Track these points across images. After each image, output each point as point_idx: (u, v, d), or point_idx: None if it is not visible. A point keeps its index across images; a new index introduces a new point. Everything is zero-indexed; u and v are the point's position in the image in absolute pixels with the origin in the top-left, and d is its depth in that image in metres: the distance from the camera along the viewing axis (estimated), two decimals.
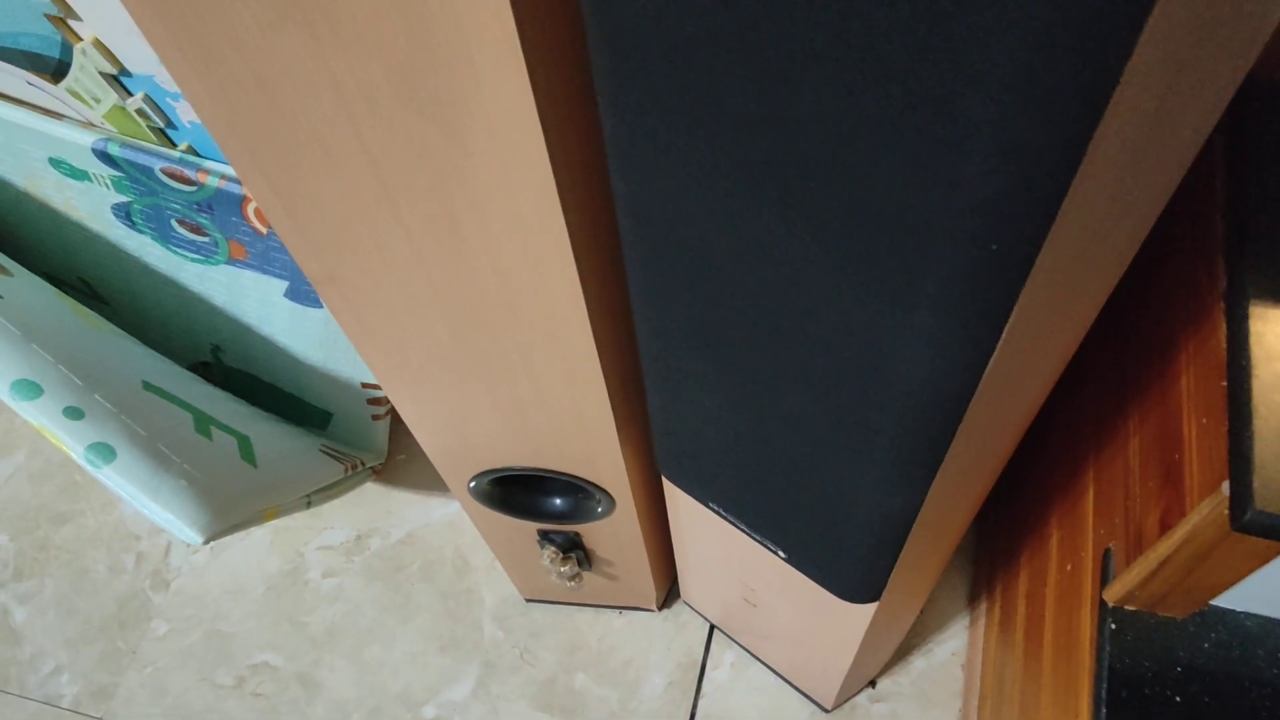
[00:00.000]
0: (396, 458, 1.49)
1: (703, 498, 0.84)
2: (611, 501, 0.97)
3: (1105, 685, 0.74)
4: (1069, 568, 0.91)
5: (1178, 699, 0.73)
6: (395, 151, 0.53)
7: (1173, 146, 0.37)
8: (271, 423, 1.25)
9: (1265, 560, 0.64)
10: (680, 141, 0.44)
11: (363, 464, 1.34)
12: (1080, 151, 0.32)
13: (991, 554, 1.32)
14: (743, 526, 0.82)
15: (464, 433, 0.86)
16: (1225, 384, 0.61)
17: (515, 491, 1.00)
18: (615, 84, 0.43)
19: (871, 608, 0.83)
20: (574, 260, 0.60)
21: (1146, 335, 0.81)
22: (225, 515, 1.00)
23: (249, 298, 1.21)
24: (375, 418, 1.35)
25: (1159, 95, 0.32)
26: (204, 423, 1.11)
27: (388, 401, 1.31)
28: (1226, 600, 0.75)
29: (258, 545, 1.48)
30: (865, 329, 0.46)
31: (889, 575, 0.74)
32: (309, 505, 1.21)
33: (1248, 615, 0.76)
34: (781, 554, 0.81)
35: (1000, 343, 0.43)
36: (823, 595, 0.84)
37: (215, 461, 1.05)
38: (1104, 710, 0.74)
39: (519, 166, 0.52)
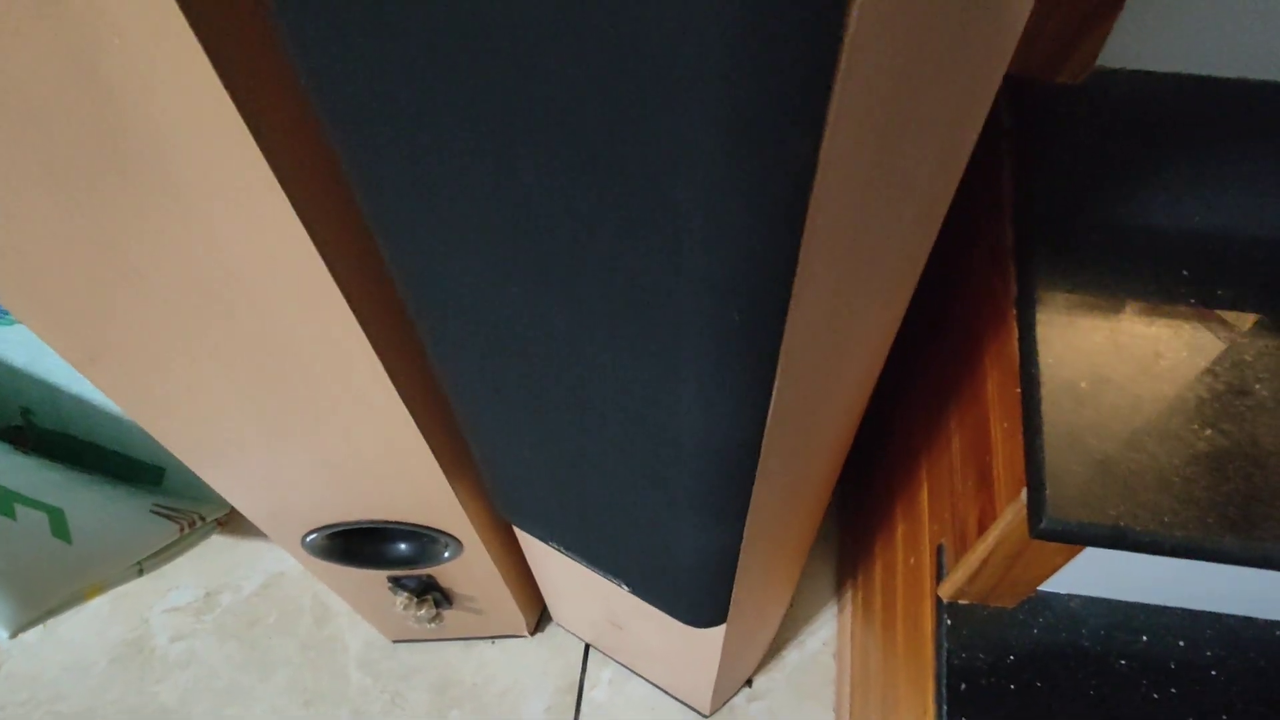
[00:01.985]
0: None
1: (542, 537, 0.81)
2: (458, 544, 0.94)
3: (945, 682, 0.76)
4: (912, 561, 0.93)
5: (1012, 687, 0.75)
6: (133, 227, 0.48)
7: (902, 211, 0.37)
8: (92, 488, 1.16)
9: (1073, 555, 0.66)
10: (431, 217, 0.41)
11: (202, 519, 1.27)
12: (796, 229, 0.31)
13: (853, 541, 1.35)
14: (583, 562, 0.80)
15: (283, 496, 0.81)
16: (1019, 390, 0.62)
17: (355, 542, 0.95)
18: (356, 166, 0.40)
19: (721, 628, 0.82)
20: (361, 326, 0.56)
21: (957, 336, 0.83)
22: (35, 603, 0.91)
23: (51, 356, 1.11)
24: None
25: (869, 164, 0.31)
26: (6, 501, 1.01)
27: None
28: (1051, 585, 0.78)
29: (96, 615, 1.37)
30: (643, 393, 0.44)
31: (729, 602, 0.73)
32: (141, 573, 1.13)
33: (1071, 596, 0.79)
34: (625, 586, 0.79)
35: (774, 399, 0.43)
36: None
37: (21, 544, 0.96)
38: (945, 707, 0.75)
39: (272, 235, 0.48)
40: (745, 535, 0.60)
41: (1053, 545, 0.65)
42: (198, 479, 1.30)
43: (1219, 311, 0.63)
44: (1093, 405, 0.59)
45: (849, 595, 1.32)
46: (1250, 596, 0.76)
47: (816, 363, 0.44)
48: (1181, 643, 0.77)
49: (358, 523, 0.88)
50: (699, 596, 0.73)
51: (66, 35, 0.38)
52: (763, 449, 0.48)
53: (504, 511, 0.82)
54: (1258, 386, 0.60)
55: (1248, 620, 0.78)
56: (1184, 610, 0.78)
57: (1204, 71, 0.71)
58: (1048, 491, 0.56)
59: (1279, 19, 0.67)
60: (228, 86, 0.40)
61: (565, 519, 0.72)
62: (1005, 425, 0.66)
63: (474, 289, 0.45)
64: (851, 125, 0.28)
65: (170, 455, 1.26)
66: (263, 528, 0.89)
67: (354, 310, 0.55)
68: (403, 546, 0.97)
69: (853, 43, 0.25)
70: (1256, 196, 0.68)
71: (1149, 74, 0.73)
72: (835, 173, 0.30)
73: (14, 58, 0.38)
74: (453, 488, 0.81)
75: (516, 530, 0.94)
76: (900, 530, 1.02)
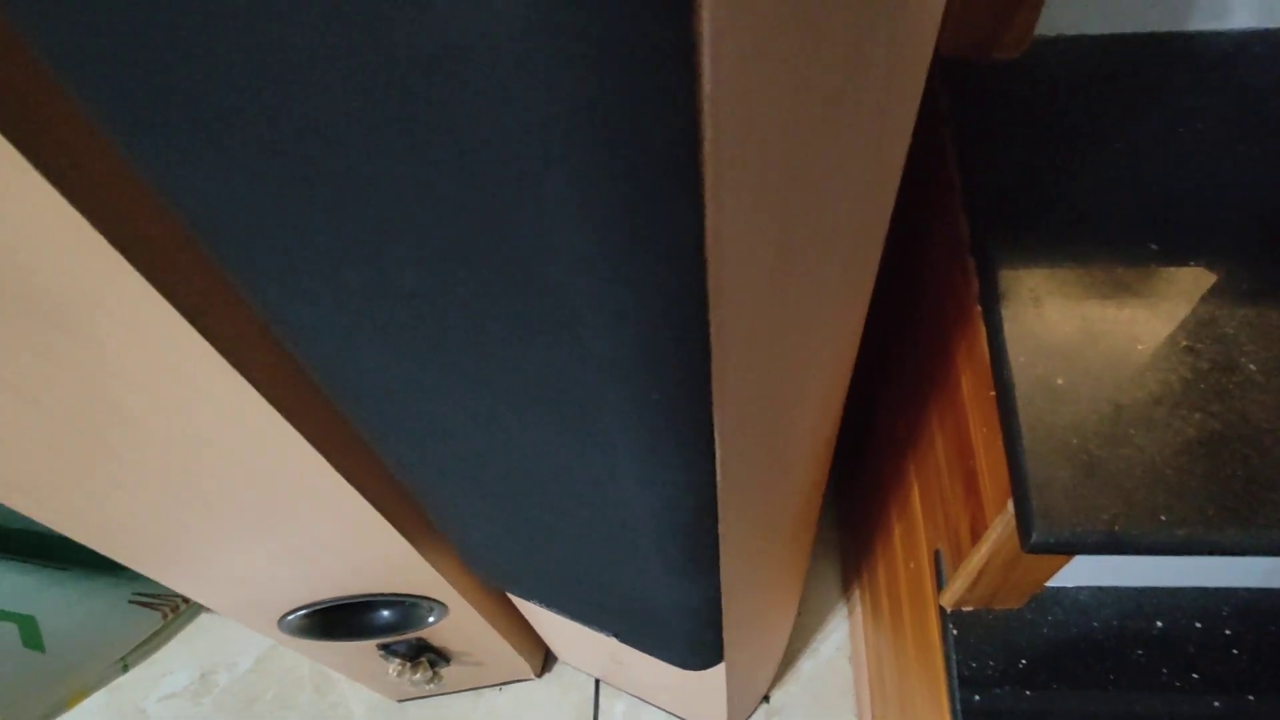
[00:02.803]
0: None
1: (524, 596, 0.78)
2: (442, 606, 0.90)
3: (958, 696, 0.72)
4: (912, 565, 0.90)
5: (1028, 693, 0.72)
6: (23, 365, 0.45)
7: (831, 243, 0.33)
8: (65, 587, 1.12)
9: (1071, 557, 0.63)
10: (324, 317, 0.37)
11: (185, 601, 1.23)
12: (698, 302, 0.27)
13: (853, 538, 1.32)
14: (570, 618, 0.77)
15: (250, 587, 0.77)
16: (994, 394, 0.59)
17: (334, 617, 0.91)
18: (252, 284, 0.36)
19: (720, 667, 0.79)
20: (291, 425, 0.53)
21: (927, 334, 0.79)
22: None
23: None
24: None
25: (772, 216, 0.27)
26: None
27: None
28: (1058, 580, 0.75)
29: (91, 711, 1.33)
30: (584, 473, 0.41)
31: (721, 644, 0.69)
32: (126, 669, 1.09)
33: (1079, 589, 0.76)
34: (614, 637, 0.76)
35: (720, 463, 0.39)
36: None
37: None
38: None
39: (173, 354, 0.45)
40: (724, 586, 0.56)
41: (1045, 557, 0.61)
42: None
43: (1193, 283, 0.59)
44: (1071, 402, 0.56)
45: (857, 595, 1.29)
46: (1263, 567, 0.73)
47: (762, 417, 0.41)
48: (1198, 624, 0.73)
49: (332, 600, 0.84)
50: (690, 644, 0.69)
51: None
52: (720, 509, 0.44)
53: (481, 577, 0.78)
54: (1244, 360, 0.56)
55: (1264, 591, 0.74)
56: (1197, 589, 0.75)
57: (1145, 29, 0.68)
58: (1034, 504, 0.52)
59: None
60: (88, 215, 0.36)
61: (542, 582, 0.69)
62: (984, 430, 0.63)
63: (389, 382, 0.41)
64: (738, 185, 0.25)
65: None
66: (235, 619, 0.85)
67: (280, 409, 0.52)
68: (385, 614, 0.93)
69: (712, 104, 0.21)
70: (1214, 153, 0.64)
71: (1090, 38, 0.69)
72: (731, 237, 0.26)
73: None
74: (425, 555, 0.77)
75: None
76: (897, 531, 0.98)
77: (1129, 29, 0.67)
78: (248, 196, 0.29)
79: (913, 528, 0.90)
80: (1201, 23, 0.66)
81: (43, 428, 0.51)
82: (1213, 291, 0.58)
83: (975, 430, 0.65)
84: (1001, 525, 0.59)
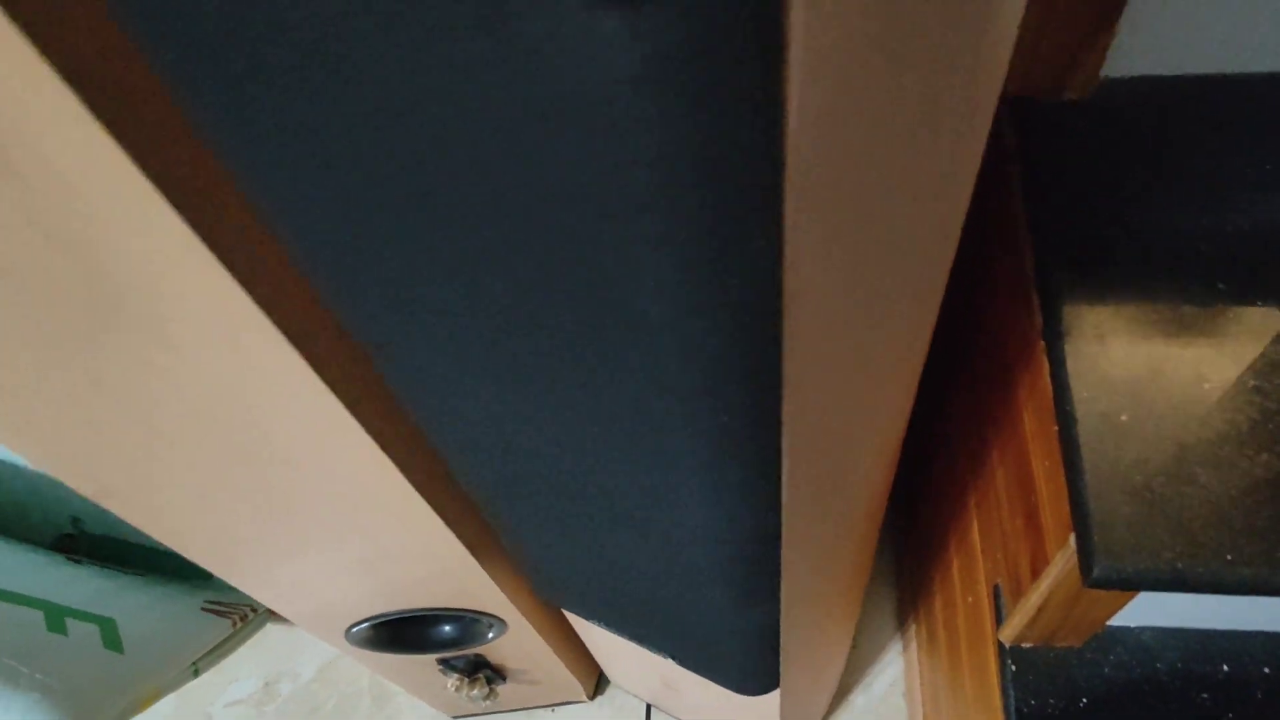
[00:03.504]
0: None
1: (583, 615, 0.80)
2: (502, 623, 0.92)
3: None
4: (970, 600, 0.90)
5: None
6: (123, 374, 0.48)
7: (898, 276, 0.35)
8: (142, 592, 1.17)
9: (1134, 595, 0.62)
10: (429, 338, 0.40)
11: (254, 610, 1.27)
12: (773, 333, 0.29)
13: (910, 570, 1.31)
14: (627, 638, 0.78)
15: (320, 596, 0.81)
16: (1056, 428, 0.59)
17: (398, 630, 0.94)
18: (352, 314, 0.39)
19: (774, 694, 0.79)
20: (365, 432, 0.55)
21: (989, 367, 0.79)
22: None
23: None
24: None
25: (844, 254, 0.29)
26: (58, 617, 1.02)
27: None
28: (1120, 619, 0.74)
29: (162, 714, 1.38)
30: (653, 492, 0.43)
31: (779, 669, 0.70)
32: (197, 673, 1.13)
33: (1142, 629, 0.75)
34: (671, 660, 0.77)
35: (786, 486, 0.40)
36: None
37: (73, 660, 0.97)
38: None
39: (266, 366, 0.48)
40: (783, 610, 0.57)
41: (1108, 593, 0.61)
42: None
43: (1262, 323, 0.59)
44: (1136, 439, 0.56)
45: (912, 630, 1.28)
46: None
47: (830, 443, 0.42)
48: (1267, 669, 0.72)
49: (397, 613, 0.87)
50: (746, 668, 0.70)
51: (21, 197, 0.37)
52: (784, 532, 0.46)
53: (542, 595, 0.80)
54: None
55: None
56: (1265, 634, 0.73)
57: (1215, 70, 0.68)
58: (1096, 539, 0.52)
59: None
60: (196, 230, 0.39)
61: (603, 601, 0.70)
62: (1046, 464, 0.63)
63: (466, 400, 0.44)
64: (815, 223, 0.27)
65: None
66: (304, 627, 0.89)
67: (360, 420, 0.54)
68: (446, 629, 0.96)
69: (796, 149, 0.23)
70: None
71: (1158, 79, 0.69)
72: (805, 272, 0.28)
73: None
74: (489, 571, 0.79)
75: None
76: (955, 565, 0.98)
77: (1196, 70, 0.68)
78: (358, 219, 0.32)
79: (971, 561, 0.89)
80: (1269, 65, 0.66)
81: (143, 438, 0.54)
82: None
83: (1037, 465, 0.65)
84: (1063, 560, 0.59)
